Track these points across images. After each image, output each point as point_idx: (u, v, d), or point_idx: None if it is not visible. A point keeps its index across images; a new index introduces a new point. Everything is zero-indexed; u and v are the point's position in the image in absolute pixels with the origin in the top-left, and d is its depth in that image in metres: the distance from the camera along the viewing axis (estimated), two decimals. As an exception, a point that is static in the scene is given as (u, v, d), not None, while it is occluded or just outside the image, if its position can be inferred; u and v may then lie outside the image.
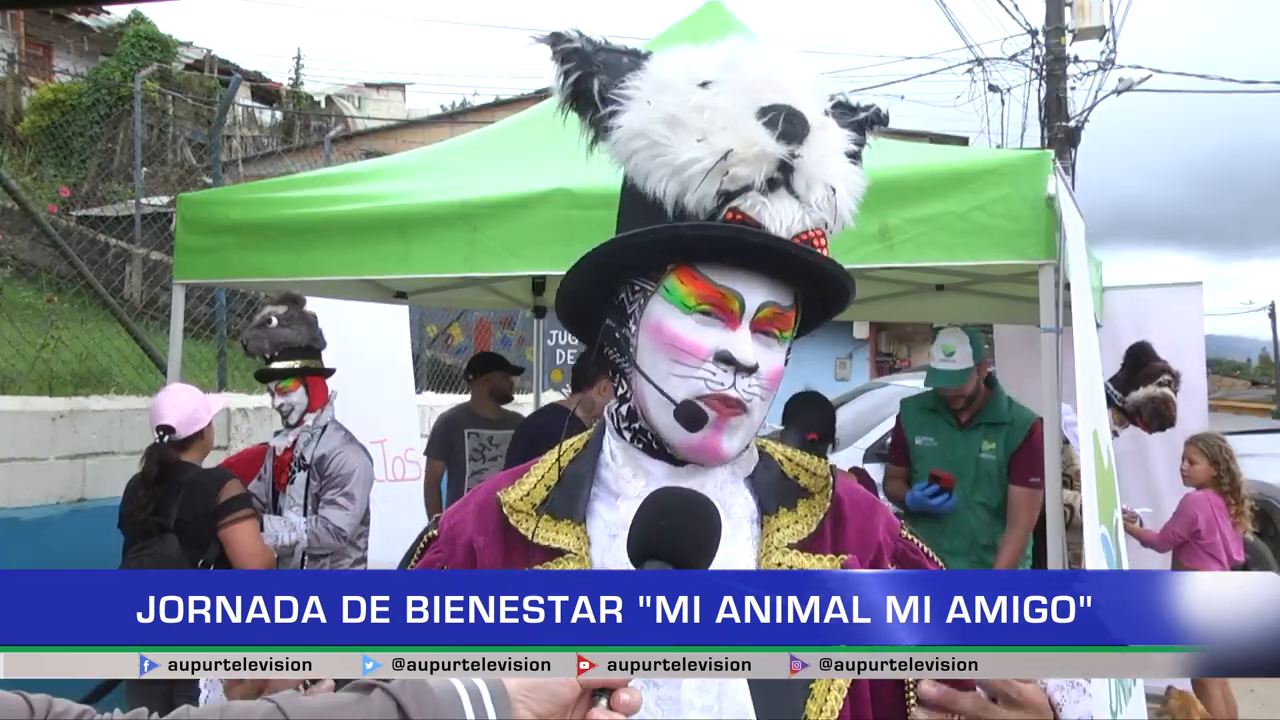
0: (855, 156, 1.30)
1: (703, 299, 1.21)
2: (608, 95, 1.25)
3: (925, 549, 1.32)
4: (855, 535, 1.27)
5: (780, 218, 1.19)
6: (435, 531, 1.33)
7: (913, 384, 9.47)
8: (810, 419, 4.30)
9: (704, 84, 1.21)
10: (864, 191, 1.29)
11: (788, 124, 1.19)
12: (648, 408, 1.24)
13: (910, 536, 1.33)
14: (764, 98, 1.20)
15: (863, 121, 1.34)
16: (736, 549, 1.23)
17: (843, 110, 1.32)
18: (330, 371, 4.28)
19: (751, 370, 1.20)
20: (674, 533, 1.08)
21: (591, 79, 1.27)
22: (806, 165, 1.20)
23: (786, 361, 1.27)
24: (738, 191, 1.19)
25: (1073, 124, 14.95)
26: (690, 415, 1.21)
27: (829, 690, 1.17)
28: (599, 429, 1.33)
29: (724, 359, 1.19)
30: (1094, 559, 3.01)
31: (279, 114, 20.05)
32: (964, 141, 14.77)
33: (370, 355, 5.78)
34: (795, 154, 1.19)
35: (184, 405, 3.91)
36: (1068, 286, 3.25)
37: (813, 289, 1.25)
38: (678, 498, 1.13)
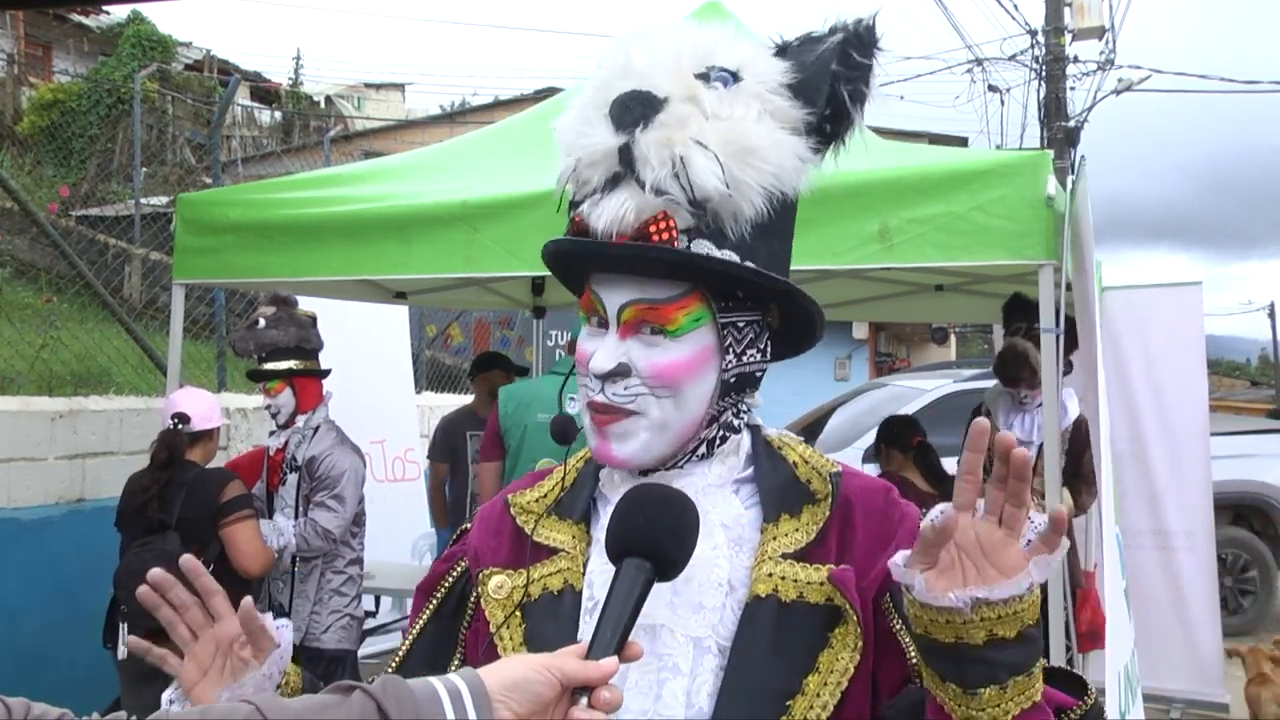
0: (844, 89, 1.17)
1: (586, 308, 1.21)
2: None
3: None
4: (866, 540, 1.20)
5: (607, 216, 1.13)
6: (469, 525, 1.37)
7: (913, 384, 9.49)
8: (904, 434, 4.86)
9: None
10: (776, 143, 1.15)
11: (623, 111, 1.13)
12: None
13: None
14: (615, 90, 1.16)
15: (834, 49, 1.18)
16: (697, 557, 1.14)
17: (807, 43, 1.20)
18: (324, 373, 4.28)
19: (610, 375, 1.16)
20: (652, 528, 1.07)
21: None
22: (644, 147, 1.12)
23: (739, 342, 1.20)
24: (582, 200, 1.17)
25: (1072, 124, 14.94)
26: (558, 430, 1.23)
27: (810, 707, 1.12)
28: None
29: (589, 367, 1.19)
30: (1110, 562, 3.01)
31: (278, 114, 20.03)
32: (963, 142, 14.77)
33: (370, 355, 5.79)
34: (631, 140, 1.13)
35: (200, 402, 4.02)
36: (1069, 287, 3.25)
37: (699, 274, 1.17)
38: (653, 494, 1.12)
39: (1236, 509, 8.31)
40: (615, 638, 1.01)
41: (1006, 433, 1.01)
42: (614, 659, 1.00)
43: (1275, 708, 5.42)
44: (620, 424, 1.17)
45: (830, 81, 1.17)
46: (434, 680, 0.95)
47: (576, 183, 1.18)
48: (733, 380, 1.21)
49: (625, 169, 1.13)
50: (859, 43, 1.18)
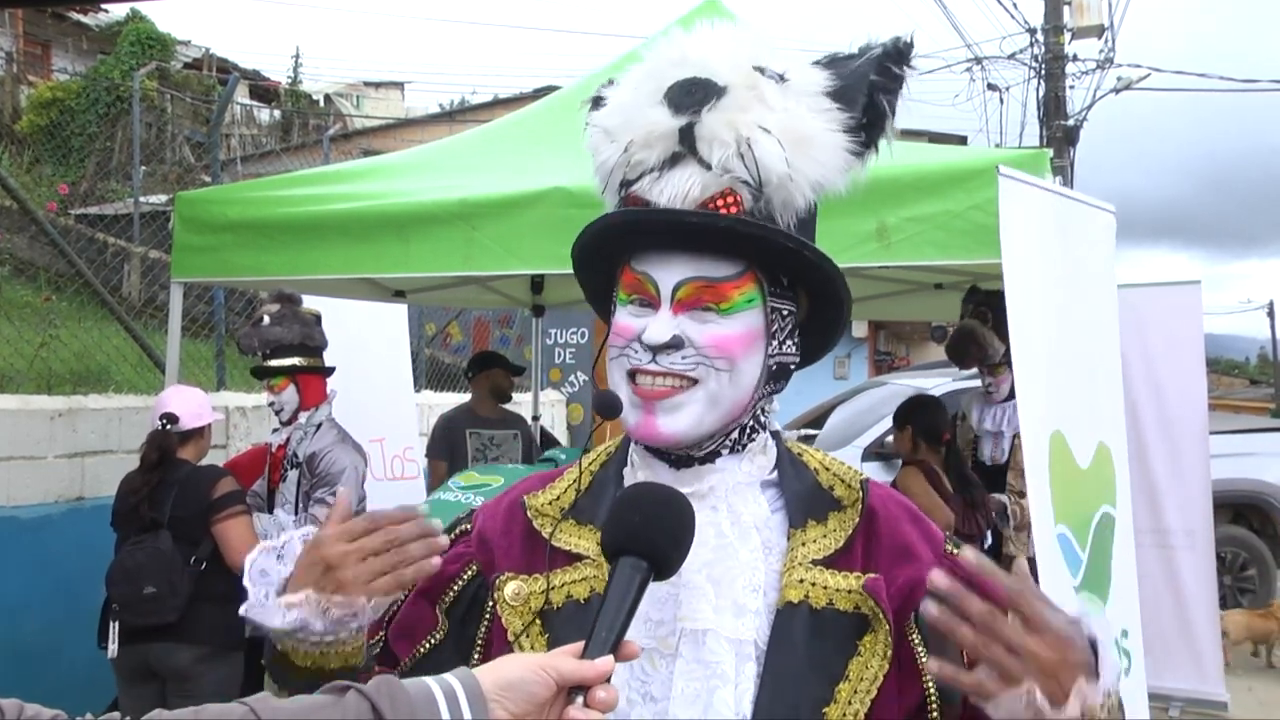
0: (873, 97, 1.20)
1: (630, 289, 1.20)
2: None
3: None
4: (889, 551, 1.20)
5: (671, 190, 1.14)
6: (469, 526, 1.33)
7: (912, 383, 9.49)
8: (936, 422, 4.53)
9: None
10: (829, 139, 1.18)
11: (683, 94, 1.15)
12: None
13: (956, 553, 1.23)
14: (670, 78, 1.17)
15: (873, 61, 1.22)
16: (738, 560, 1.18)
17: (836, 61, 1.24)
18: (328, 370, 4.29)
19: (665, 347, 1.15)
20: (647, 527, 1.07)
21: None
22: (709, 128, 1.14)
23: (782, 330, 1.22)
24: (636, 178, 1.17)
25: (1071, 123, 14.93)
26: (603, 403, 1.19)
27: (843, 715, 1.12)
28: (628, 435, 1.29)
29: (640, 340, 1.17)
30: (1047, 559, 2.98)
31: (277, 113, 20.00)
32: (963, 140, 14.76)
33: (369, 354, 5.77)
34: (694, 120, 1.14)
35: (190, 400, 4.02)
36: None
37: (756, 252, 1.18)
38: (650, 493, 1.12)
39: (1236, 508, 8.31)
40: (611, 637, 1.01)
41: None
42: (609, 658, 1.00)
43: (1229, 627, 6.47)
44: (671, 399, 1.16)
45: (868, 90, 1.20)
46: (429, 680, 0.95)
47: (628, 165, 1.18)
48: (774, 367, 1.22)
49: (685, 148, 1.15)
50: (897, 56, 1.23)
